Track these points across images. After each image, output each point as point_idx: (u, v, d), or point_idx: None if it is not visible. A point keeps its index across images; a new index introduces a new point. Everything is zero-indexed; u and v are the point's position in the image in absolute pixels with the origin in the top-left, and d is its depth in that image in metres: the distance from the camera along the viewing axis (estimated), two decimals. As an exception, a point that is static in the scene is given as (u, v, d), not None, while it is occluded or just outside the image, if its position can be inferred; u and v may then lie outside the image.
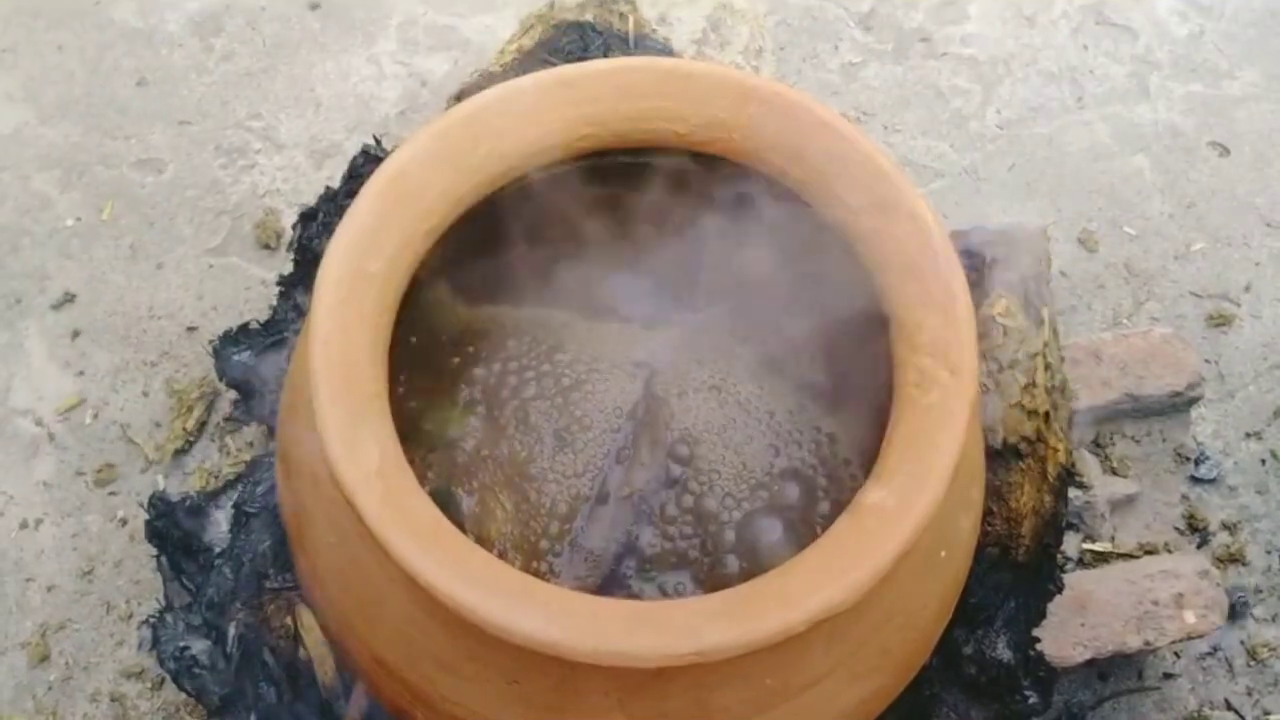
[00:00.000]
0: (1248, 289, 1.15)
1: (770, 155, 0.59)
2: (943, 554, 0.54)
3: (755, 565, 0.67)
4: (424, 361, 0.69)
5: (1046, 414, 0.71)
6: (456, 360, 0.70)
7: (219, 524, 0.76)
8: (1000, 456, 0.69)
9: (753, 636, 0.45)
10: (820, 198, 0.58)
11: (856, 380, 0.67)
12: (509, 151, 0.58)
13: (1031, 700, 0.70)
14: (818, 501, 0.69)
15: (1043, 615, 0.72)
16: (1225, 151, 1.23)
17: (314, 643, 0.64)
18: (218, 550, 0.74)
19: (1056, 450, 0.72)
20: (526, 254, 0.67)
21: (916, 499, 0.48)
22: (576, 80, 0.58)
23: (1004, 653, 0.68)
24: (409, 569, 0.46)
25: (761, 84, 0.59)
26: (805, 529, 0.68)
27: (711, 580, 0.67)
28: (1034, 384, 0.70)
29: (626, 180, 0.63)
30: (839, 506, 0.66)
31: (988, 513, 0.67)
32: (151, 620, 0.93)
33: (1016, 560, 0.69)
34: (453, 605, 0.45)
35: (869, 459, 0.58)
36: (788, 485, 0.69)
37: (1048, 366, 0.72)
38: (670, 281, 0.72)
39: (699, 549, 0.68)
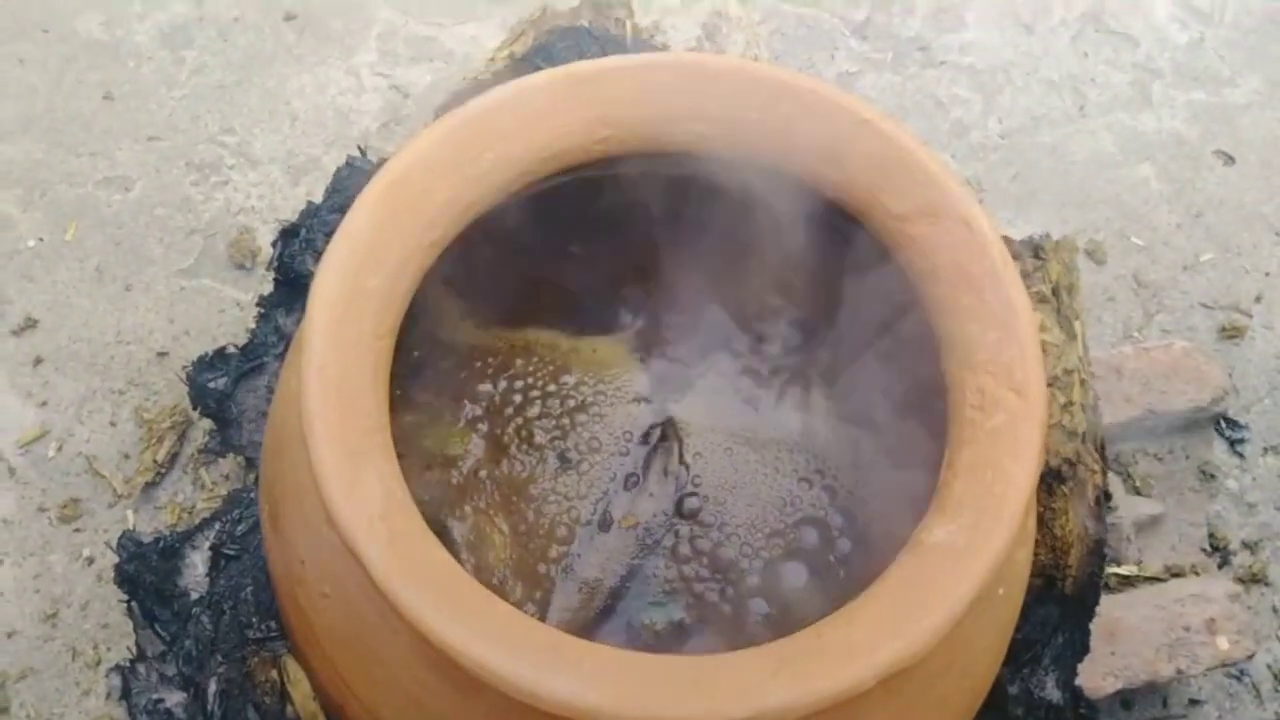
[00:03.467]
0: (1259, 299, 1.13)
1: (805, 159, 0.54)
2: (1001, 592, 0.50)
3: (755, 595, 0.63)
4: (423, 374, 0.64)
5: (1084, 434, 0.67)
6: (464, 374, 0.65)
7: (195, 567, 0.70)
8: (1043, 481, 0.65)
9: (817, 696, 0.40)
10: (860, 204, 0.54)
11: (886, 415, 0.63)
12: (520, 156, 0.53)
13: (1074, 741, 0.66)
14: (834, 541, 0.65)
15: (1086, 649, 0.68)
16: (1230, 160, 1.21)
17: (303, 699, 0.59)
18: (195, 596, 0.68)
19: (1094, 472, 0.68)
20: (537, 269, 0.63)
21: (988, 535, 0.43)
22: (594, 77, 0.53)
23: (1052, 692, 0.63)
24: (421, 626, 0.40)
25: (797, 80, 0.54)
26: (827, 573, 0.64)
27: (712, 618, 0.62)
28: (1072, 402, 0.66)
29: (645, 190, 0.59)
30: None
31: (1034, 542, 0.63)
32: (122, 668, 0.87)
33: (1063, 592, 0.65)
34: (473, 667, 0.40)
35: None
36: (805, 530, 0.65)
37: (1083, 383, 0.68)
38: (686, 302, 0.68)
39: (703, 586, 0.63)
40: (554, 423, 0.64)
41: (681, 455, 0.65)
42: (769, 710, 0.40)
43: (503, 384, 0.65)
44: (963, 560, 0.43)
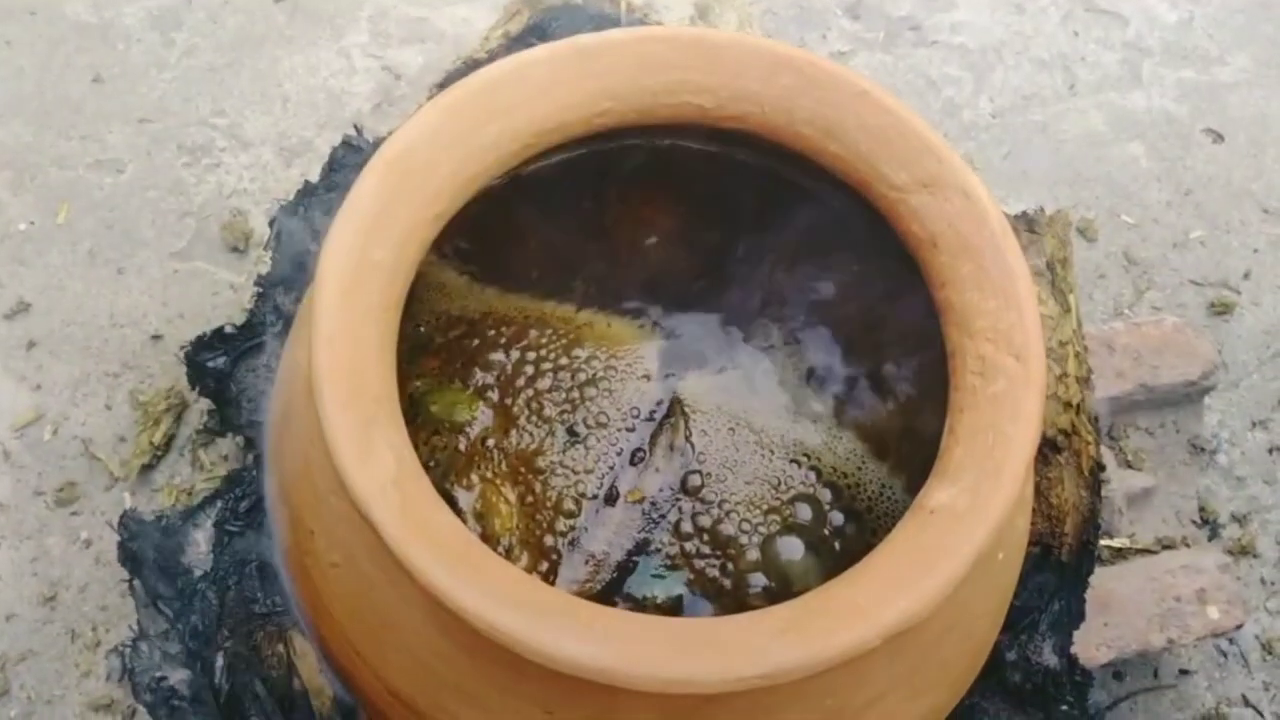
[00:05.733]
0: (1247, 276, 1.14)
1: (805, 130, 0.54)
2: (1001, 557, 0.50)
3: (754, 570, 0.63)
4: (434, 341, 0.64)
5: (1078, 405, 0.68)
6: (476, 342, 0.66)
7: (198, 544, 0.70)
8: (1039, 451, 0.65)
9: (824, 654, 0.40)
10: (860, 176, 0.54)
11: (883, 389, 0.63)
12: (522, 128, 0.53)
13: (1070, 707, 0.67)
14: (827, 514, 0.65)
15: (1082, 616, 0.69)
16: (1219, 138, 1.22)
17: (309, 672, 0.59)
18: (198, 573, 0.68)
19: (1089, 443, 0.69)
20: (549, 242, 0.63)
21: (990, 498, 0.44)
22: (595, 50, 0.54)
23: (1050, 658, 0.64)
24: (435, 590, 0.41)
25: (795, 53, 0.54)
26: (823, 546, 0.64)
27: (712, 591, 0.63)
28: (1066, 374, 0.67)
29: (651, 166, 0.59)
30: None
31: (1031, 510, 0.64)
32: (121, 649, 0.87)
33: (1060, 560, 0.66)
34: (486, 629, 0.40)
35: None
36: (799, 506, 0.65)
37: (1077, 355, 0.69)
38: (692, 279, 0.68)
39: (703, 561, 0.64)
40: (564, 396, 0.64)
41: (687, 433, 0.65)
42: (778, 669, 0.40)
43: (515, 354, 0.65)
44: (964, 522, 0.44)
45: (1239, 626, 0.87)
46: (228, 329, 0.83)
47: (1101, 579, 0.85)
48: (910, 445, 0.61)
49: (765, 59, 0.54)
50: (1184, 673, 0.94)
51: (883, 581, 0.43)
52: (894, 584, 0.43)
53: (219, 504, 0.71)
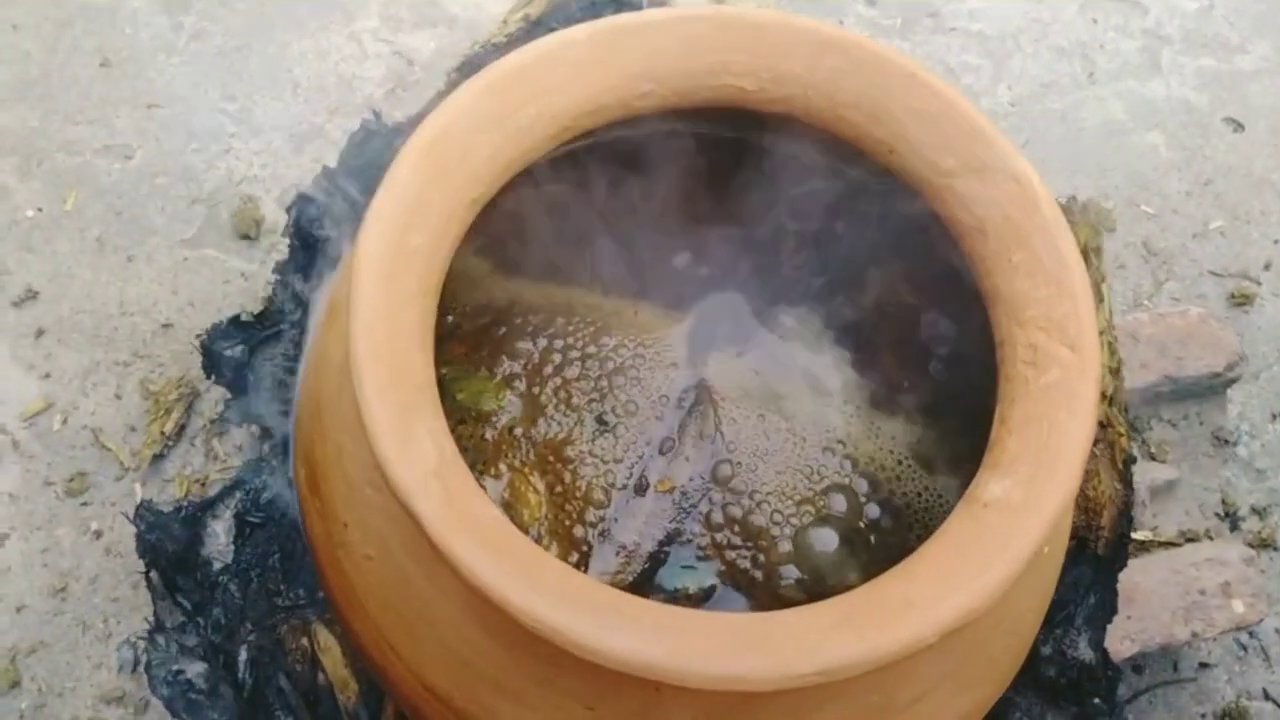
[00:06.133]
0: (1267, 267, 1.13)
1: (849, 114, 0.53)
2: (1046, 551, 0.49)
3: (786, 562, 0.62)
4: (461, 329, 0.63)
5: (1111, 396, 0.67)
6: (503, 330, 0.64)
7: (217, 536, 0.69)
8: (1076, 443, 0.64)
9: (880, 651, 0.39)
10: (904, 161, 0.53)
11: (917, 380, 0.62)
12: (560, 111, 0.51)
13: (1101, 702, 0.66)
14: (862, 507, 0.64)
15: (1115, 610, 0.68)
16: (1240, 127, 1.21)
17: (334, 665, 0.58)
18: (218, 566, 0.67)
19: (1121, 435, 0.68)
20: (578, 229, 0.62)
21: (1046, 492, 0.43)
22: (636, 30, 0.52)
23: (1085, 652, 0.63)
24: (480, 584, 0.40)
25: (841, 34, 0.53)
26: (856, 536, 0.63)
27: (748, 580, 0.62)
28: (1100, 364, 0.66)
29: (687, 150, 0.58)
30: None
31: (1070, 503, 0.63)
32: (134, 641, 0.86)
33: (1096, 553, 0.65)
34: (532, 624, 0.39)
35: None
36: (833, 497, 0.64)
37: (1109, 345, 0.68)
38: (727, 267, 0.67)
39: (734, 553, 0.63)
40: (592, 384, 0.63)
41: (717, 421, 0.64)
42: (833, 665, 0.39)
43: (542, 342, 0.64)
44: (1019, 517, 0.43)
45: (1261, 620, 0.87)
46: (244, 317, 0.81)
47: (1126, 572, 0.84)
48: (953, 435, 0.60)
49: (810, 40, 0.53)
50: (1204, 666, 0.94)
51: (937, 576, 0.42)
52: (949, 579, 0.42)
53: (238, 495, 0.70)
